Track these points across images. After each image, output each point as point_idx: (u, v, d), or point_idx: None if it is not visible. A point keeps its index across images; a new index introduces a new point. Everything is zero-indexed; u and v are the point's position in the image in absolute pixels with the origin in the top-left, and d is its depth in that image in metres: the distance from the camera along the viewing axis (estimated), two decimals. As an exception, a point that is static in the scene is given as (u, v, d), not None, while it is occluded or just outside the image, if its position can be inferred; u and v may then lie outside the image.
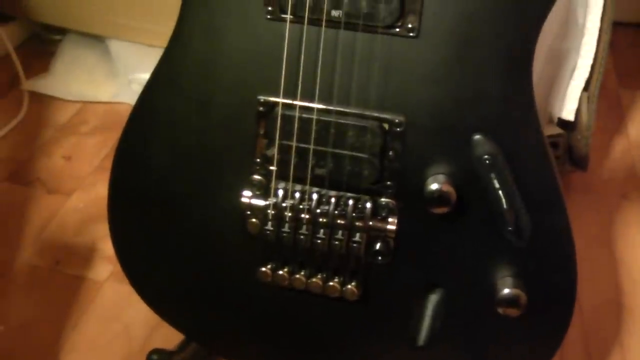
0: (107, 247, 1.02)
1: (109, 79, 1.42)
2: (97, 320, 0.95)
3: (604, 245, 1.09)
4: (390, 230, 0.64)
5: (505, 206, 0.61)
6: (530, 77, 0.60)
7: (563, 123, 1.06)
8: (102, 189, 0.74)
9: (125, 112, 0.70)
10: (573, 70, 1.03)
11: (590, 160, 1.10)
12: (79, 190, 1.17)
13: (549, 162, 0.62)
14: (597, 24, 1.00)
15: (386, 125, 0.62)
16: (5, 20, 1.47)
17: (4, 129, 1.28)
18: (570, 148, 1.09)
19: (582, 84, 1.03)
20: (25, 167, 1.22)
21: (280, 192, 0.66)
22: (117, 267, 0.78)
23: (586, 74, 1.02)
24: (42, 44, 1.51)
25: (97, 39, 1.42)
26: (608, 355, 0.92)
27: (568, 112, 1.04)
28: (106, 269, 1.02)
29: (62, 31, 1.47)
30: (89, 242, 1.06)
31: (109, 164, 0.73)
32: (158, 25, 1.27)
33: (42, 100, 1.37)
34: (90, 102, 1.38)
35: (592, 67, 1.02)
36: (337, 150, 0.63)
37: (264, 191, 0.66)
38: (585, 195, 1.18)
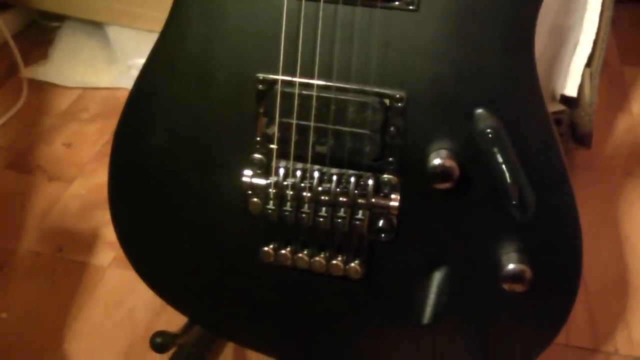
0: (109, 232, 1.02)
1: (108, 65, 1.42)
2: (101, 305, 0.95)
3: (609, 223, 1.09)
4: (393, 207, 0.64)
5: (508, 180, 0.61)
6: (532, 52, 0.59)
7: (566, 100, 1.05)
8: (103, 175, 0.74)
9: (125, 98, 0.69)
10: (575, 46, 1.02)
11: (594, 137, 1.10)
12: (80, 177, 1.17)
13: (552, 136, 0.61)
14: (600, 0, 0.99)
15: (387, 101, 0.61)
16: (3, 8, 1.47)
17: (4, 117, 1.28)
18: (573, 125, 1.08)
19: (584, 60, 1.02)
20: (26, 155, 1.21)
21: (282, 171, 0.65)
22: (120, 253, 0.77)
23: (588, 50, 1.01)
24: (40, 32, 1.51)
25: (95, 26, 1.42)
26: (613, 333, 0.92)
27: (571, 89, 1.03)
28: (109, 254, 1.02)
29: (60, 18, 1.47)
30: (91, 228, 1.06)
31: (109, 150, 0.72)
32: (156, 11, 1.26)
33: (41, 88, 1.37)
34: (90, 89, 1.38)
35: (595, 42, 1.01)
36: (337, 127, 0.62)
37: (265, 170, 0.66)
38: (589, 173, 1.18)
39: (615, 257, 1.03)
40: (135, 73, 0.68)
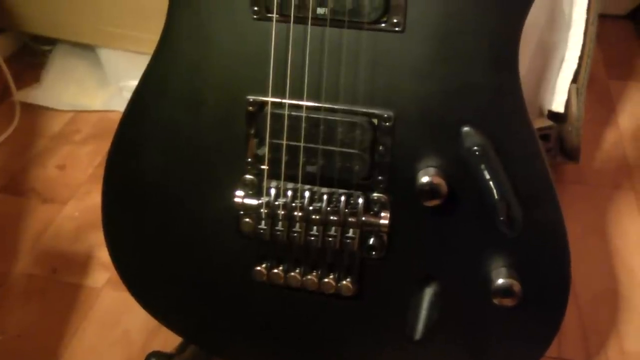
0: (103, 254, 1.02)
1: (100, 87, 1.42)
2: (96, 326, 0.95)
3: (598, 235, 1.10)
4: (383, 225, 0.65)
5: (496, 197, 0.62)
6: (516, 69, 0.60)
7: (553, 115, 1.06)
8: (97, 197, 0.74)
9: (118, 120, 0.70)
10: (561, 62, 1.04)
11: (582, 151, 1.11)
12: (73, 199, 1.17)
13: (538, 152, 0.62)
14: (584, 16, 1.01)
15: (375, 121, 0.62)
16: (-5, 32, 1.48)
17: (-3, 141, 1.29)
18: (561, 140, 1.09)
19: (570, 76, 1.03)
20: (20, 178, 1.22)
21: (273, 191, 0.66)
22: (114, 274, 0.78)
23: (574, 66, 1.02)
24: (32, 55, 1.51)
25: (86, 48, 1.43)
26: (605, 343, 0.93)
27: (558, 104, 1.04)
28: (103, 276, 1.02)
29: (52, 41, 1.47)
30: (85, 250, 1.06)
31: (102, 172, 0.73)
32: (148, 33, 1.27)
33: (33, 111, 1.37)
34: (82, 111, 1.39)
35: (580, 58, 1.03)
36: (327, 147, 0.63)
37: (256, 190, 0.67)
38: (578, 186, 1.19)
39: (606, 270, 1.04)
40: (127, 95, 0.69)
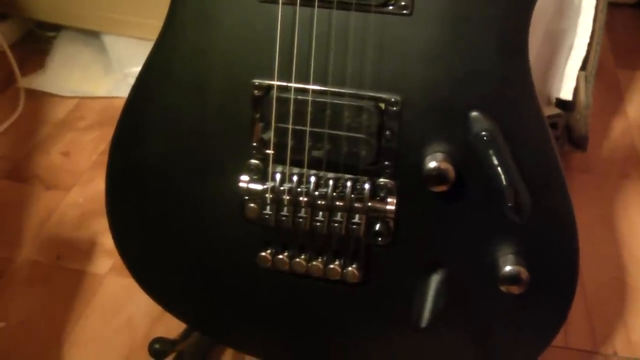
0: (107, 241, 1.02)
1: (104, 74, 1.42)
2: (99, 313, 0.95)
3: (606, 225, 1.09)
4: (390, 211, 0.64)
5: (504, 183, 0.61)
6: (526, 54, 0.59)
7: (561, 103, 1.05)
8: (100, 184, 0.74)
9: (122, 107, 0.70)
10: (570, 49, 1.03)
11: (590, 140, 1.10)
12: (77, 185, 1.17)
13: (548, 138, 0.61)
14: (593, 3, 1.00)
15: (382, 105, 0.62)
16: (0, 19, 1.47)
17: (1, 127, 1.28)
18: (569, 128, 1.09)
19: (579, 63, 1.03)
20: (24, 164, 1.21)
21: (278, 176, 0.65)
22: (118, 261, 0.77)
23: (583, 53, 1.01)
24: (37, 42, 1.51)
25: (91, 35, 1.42)
26: (612, 334, 0.92)
27: (566, 92, 1.04)
28: (107, 262, 1.02)
29: (57, 28, 1.47)
30: (89, 236, 1.06)
31: (106, 159, 0.72)
32: (152, 19, 1.26)
33: (38, 97, 1.37)
34: (87, 98, 1.38)
35: (589, 46, 1.02)
36: (333, 132, 0.63)
37: (261, 175, 0.66)
38: (585, 176, 1.18)
39: (613, 259, 1.04)
40: (131, 81, 0.68)
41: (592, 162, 1.21)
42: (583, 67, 1.03)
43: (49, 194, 1.15)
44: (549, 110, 1.06)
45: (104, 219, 0.75)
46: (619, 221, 1.10)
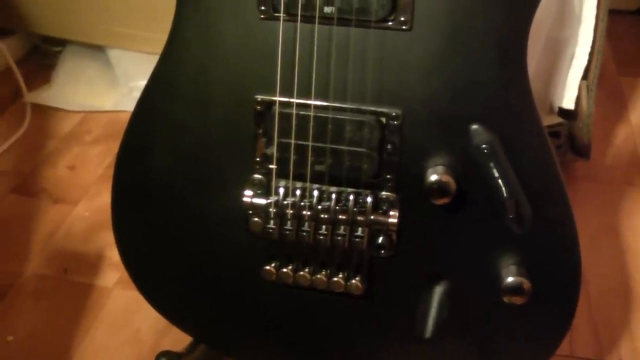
0: (114, 254, 1.02)
1: (110, 88, 1.43)
2: (107, 326, 0.95)
3: (610, 233, 1.09)
4: (392, 224, 0.65)
5: (505, 194, 0.61)
6: (524, 66, 0.60)
7: (564, 112, 1.06)
8: (107, 197, 0.74)
9: (127, 121, 0.70)
10: (571, 59, 1.03)
11: (593, 148, 1.10)
12: (84, 199, 1.17)
13: (547, 148, 0.62)
14: (594, 12, 1.00)
15: (383, 119, 0.62)
16: (5, 34, 1.48)
17: (8, 142, 1.29)
18: (572, 137, 1.09)
19: (581, 72, 1.03)
20: (30, 179, 1.22)
21: (281, 190, 0.66)
22: (125, 274, 0.78)
23: (585, 62, 1.02)
24: (43, 57, 1.52)
25: (97, 49, 1.43)
26: (617, 343, 0.92)
27: (568, 101, 1.04)
28: (114, 275, 1.02)
29: (62, 43, 1.48)
30: (96, 249, 1.07)
31: (112, 172, 0.73)
32: (157, 33, 1.27)
33: (44, 112, 1.38)
34: (93, 112, 1.39)
35: (590, 55, 1.02)
36: (335, 146, 0.63)
37: (265, 190, 0.67)
38: (589, 184, 1.18)
39: (618, 267, 1.04)
40: (137, 95, 0.69)
41: (595, 170, 1.21)
42: (585, 76, 1.03)
43: (55, 207, 1.16)
44: (552, 119, 1.06)
45: (111, 232, 0.75)
46: (623, 228, 1.10)
